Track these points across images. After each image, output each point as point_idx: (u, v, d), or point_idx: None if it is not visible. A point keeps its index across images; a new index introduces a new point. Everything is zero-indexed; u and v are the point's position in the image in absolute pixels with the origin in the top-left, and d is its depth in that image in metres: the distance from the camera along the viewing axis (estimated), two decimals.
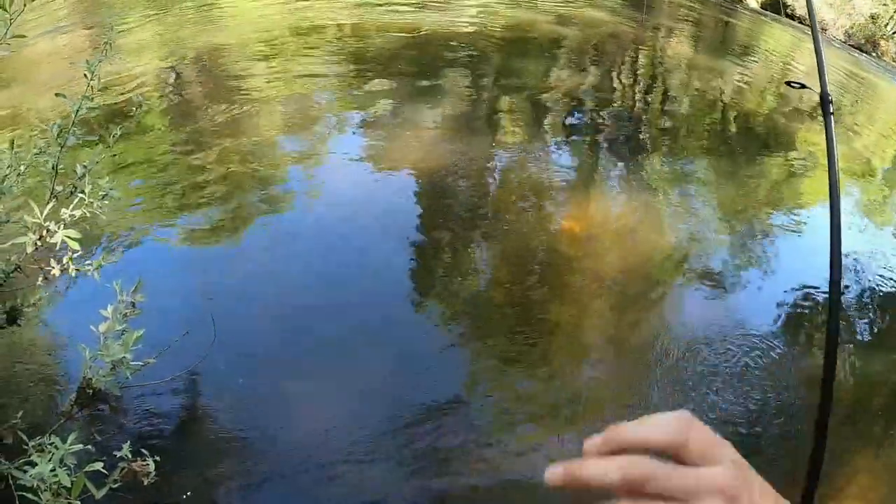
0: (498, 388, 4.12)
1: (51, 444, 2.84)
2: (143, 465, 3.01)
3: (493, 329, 4.63)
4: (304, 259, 5.03)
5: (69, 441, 2.89)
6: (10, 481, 2.86)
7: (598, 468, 0.57)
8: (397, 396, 3.91)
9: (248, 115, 6.73)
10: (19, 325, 3.98)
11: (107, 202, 4.55)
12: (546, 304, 4.76)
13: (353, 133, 6.62)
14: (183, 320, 4.32)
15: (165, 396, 3.75)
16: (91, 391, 3.56)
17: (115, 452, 3.03)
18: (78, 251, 4.25)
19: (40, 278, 4.16)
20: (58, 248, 4.30)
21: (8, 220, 3.85)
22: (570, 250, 5.36)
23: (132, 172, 6.08)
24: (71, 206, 4.26)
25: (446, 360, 4.27)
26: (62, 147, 4.16)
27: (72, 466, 2.86)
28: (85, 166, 4.86)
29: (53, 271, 4.04)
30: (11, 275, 4.04)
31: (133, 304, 3.95)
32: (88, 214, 4.59)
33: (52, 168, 4.74)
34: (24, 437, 3.18)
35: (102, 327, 3.77)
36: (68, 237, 4.21)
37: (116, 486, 3.07)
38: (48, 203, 4.48)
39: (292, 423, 3.70)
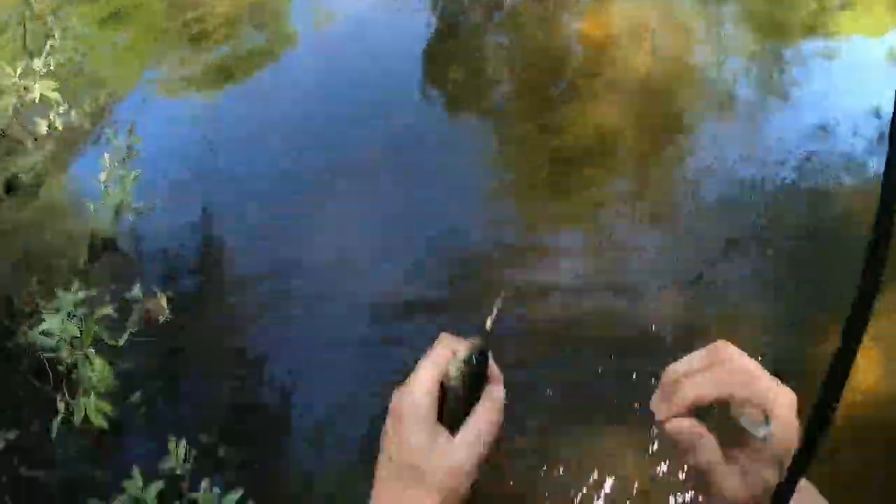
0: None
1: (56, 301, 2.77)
2: (156, 304, 2.93)
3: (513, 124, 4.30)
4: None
5: (73, 289, 2.79)
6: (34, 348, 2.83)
7: (694, 386, 0.65)
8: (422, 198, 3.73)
9: None
10: (18, 194, 3.87)
11: (86, 54, 4.23)
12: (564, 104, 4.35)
13: None
14: (186, 164, 4.12)
15: (176, 239, 3.64)
16: (101, 241, 3.48)
17: (125, 295, 2.96)
18: (61, 104, 4.01)
19: (29, 141, 3.98)
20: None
21: None
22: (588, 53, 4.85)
23: (122, 22, 5.67)
24: (43, 55, 3.98)
25: (470, 158, 4.02)
26: None
27: (82, 317, 2.79)
28: (54, 11, 4.49)
29: (40, 128, 3.84)
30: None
31: (130, 148, 3.76)
32: (65, 62, 4.29)
33: (22, 19, 4.40)
34: (39, 301, 3.15)
35: (102, 176, 3.63)
36: (47, 91, 3.96)
37: (136, 329, 3.03)
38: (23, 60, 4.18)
39: (306, 250, 3.54)
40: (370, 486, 0.71)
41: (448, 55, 5.13)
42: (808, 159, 3.87)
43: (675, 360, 0.68)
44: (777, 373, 0.65)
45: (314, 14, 5.75)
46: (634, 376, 2.83)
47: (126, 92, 4.76)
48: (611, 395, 2.84)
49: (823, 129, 4.04)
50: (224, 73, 5.08)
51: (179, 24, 5.57)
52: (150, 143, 3.81)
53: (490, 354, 0.72)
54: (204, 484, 2.44)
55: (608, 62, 4.74)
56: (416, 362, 0.71)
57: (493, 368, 0.74)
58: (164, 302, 3.01)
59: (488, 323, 0.74)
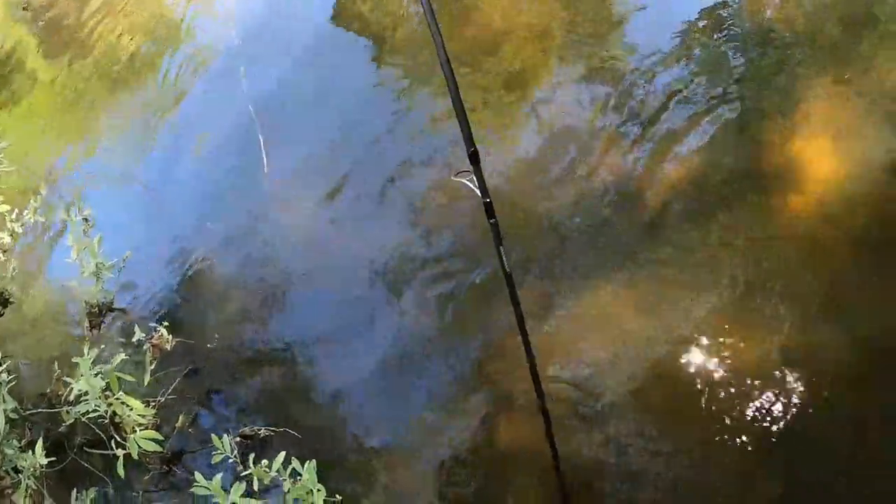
0: None
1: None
2: (159, 337, 3.26)
3: None
4: None
5: (86, 353, 3.09)
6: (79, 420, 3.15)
7: None
8: None
9: None
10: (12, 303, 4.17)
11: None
12: None
13: None
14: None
15: (151, 277, 3.98)
16: (97, 307, 3.80)
17: (132, 339, 3.28)
18: (10, 209, 4.28)
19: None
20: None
21: None
22: None
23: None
24: None
25: None
26: None
27: (102, 372, 3.10)
28: None
29: (4, 241, 4.11)
30: None
31: (86, 220, 4.03)
32: None
33: None
34: (67, 380, 3.49)
35: (73, 254, 3.91)
36: None
37: (153, 365, 3.37)
38: None
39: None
40: None
41: None
42: None
43: None
44: None
45: None
46: None
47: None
48: None
49: None
50: None
51: None
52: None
53: None
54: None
55: None
56: None
57: None
58: (165, 333, 3.34)
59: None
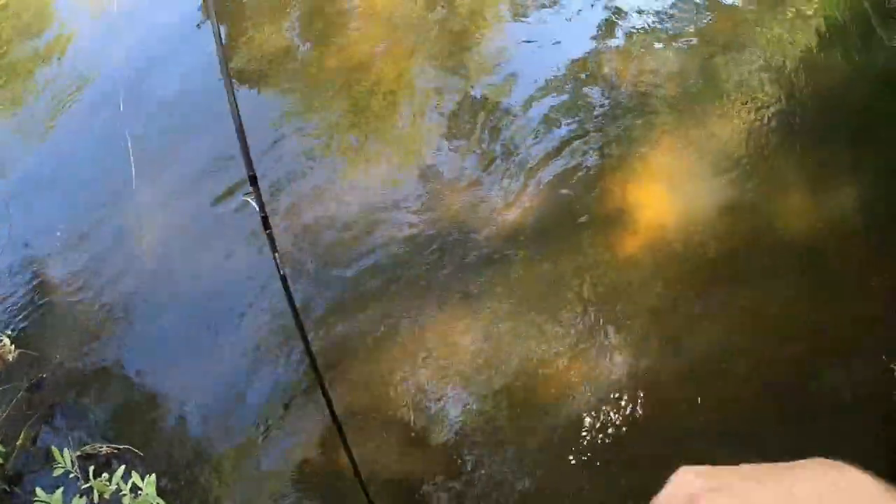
0: None
1: None
2: (1, 347, 3.23)
3: None
4: None
5: None
6: None
7: None
8: None
9: None
10: None
11: None
12: None
13: None
14: None
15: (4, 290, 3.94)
16: None
17: None
18: None
19: None
20: None
21: None
22: None
23: None
24: None
25: None
26: None
27: None
28: None
29: None
30: None
31: None
32: None
33: None
34: None
35: None
36: None
37: None
38: None
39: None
40: None
41: None
42: None
43: None
44: None
45: None
46: None
47: None
48: None
49: None
50: None
51: None
52: None
53: None
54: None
55: None
56: None
57: None
58: (8, 342, 3.32)
59: None
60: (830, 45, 4.46)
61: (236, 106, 1.91)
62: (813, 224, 3.48)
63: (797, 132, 3.87)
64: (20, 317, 3.77)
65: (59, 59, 5.50)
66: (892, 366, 2.97)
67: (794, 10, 4.51)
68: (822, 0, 4.66)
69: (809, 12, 4.47)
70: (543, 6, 4.91)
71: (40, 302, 3.80)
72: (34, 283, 3.91)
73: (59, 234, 4.11)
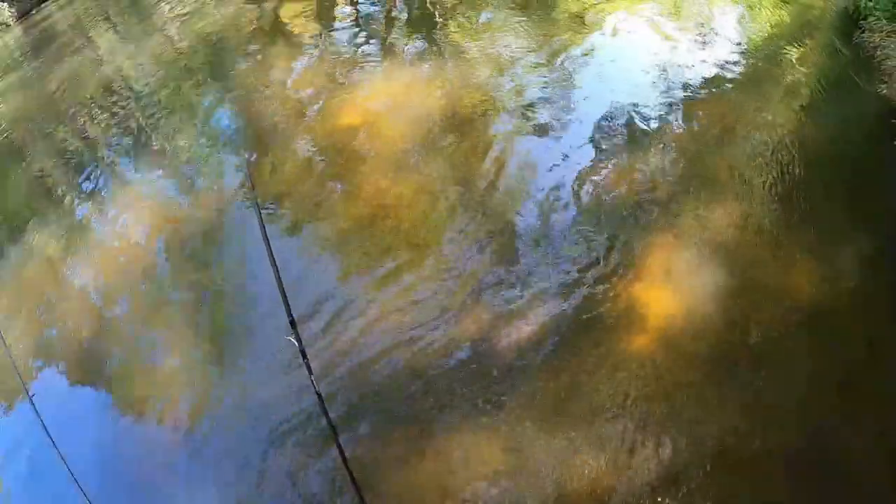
0: None
1: None
2: None
3: None
4: None
5: None
6: None
7: None
8: None
9: None
10: None
11: None
12: None
13: None
14: None
15: None
16: None
17: None
18: None
19: None
20: None
21: None
22: None
23: None
24: None
25: None
26: None
27: None
28: None
29: None
30: None
31: None
32: None
33: None
34: None
35: None
36: None
37: None
38: None
39: None
40: None
41: None
42: None
43: None
44: None
45: None
46: None
47: None
48: None
49: None
50: None
51: None
52: None
53: None
54: None
55: None
56: None
57: None
58: None
59: None
60: (816, 116, 4.98)
61: (275, 263, 2.33)
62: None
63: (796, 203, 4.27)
64: None
65: None
66: None
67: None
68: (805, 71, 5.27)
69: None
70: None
71: None
72: None
73: None
